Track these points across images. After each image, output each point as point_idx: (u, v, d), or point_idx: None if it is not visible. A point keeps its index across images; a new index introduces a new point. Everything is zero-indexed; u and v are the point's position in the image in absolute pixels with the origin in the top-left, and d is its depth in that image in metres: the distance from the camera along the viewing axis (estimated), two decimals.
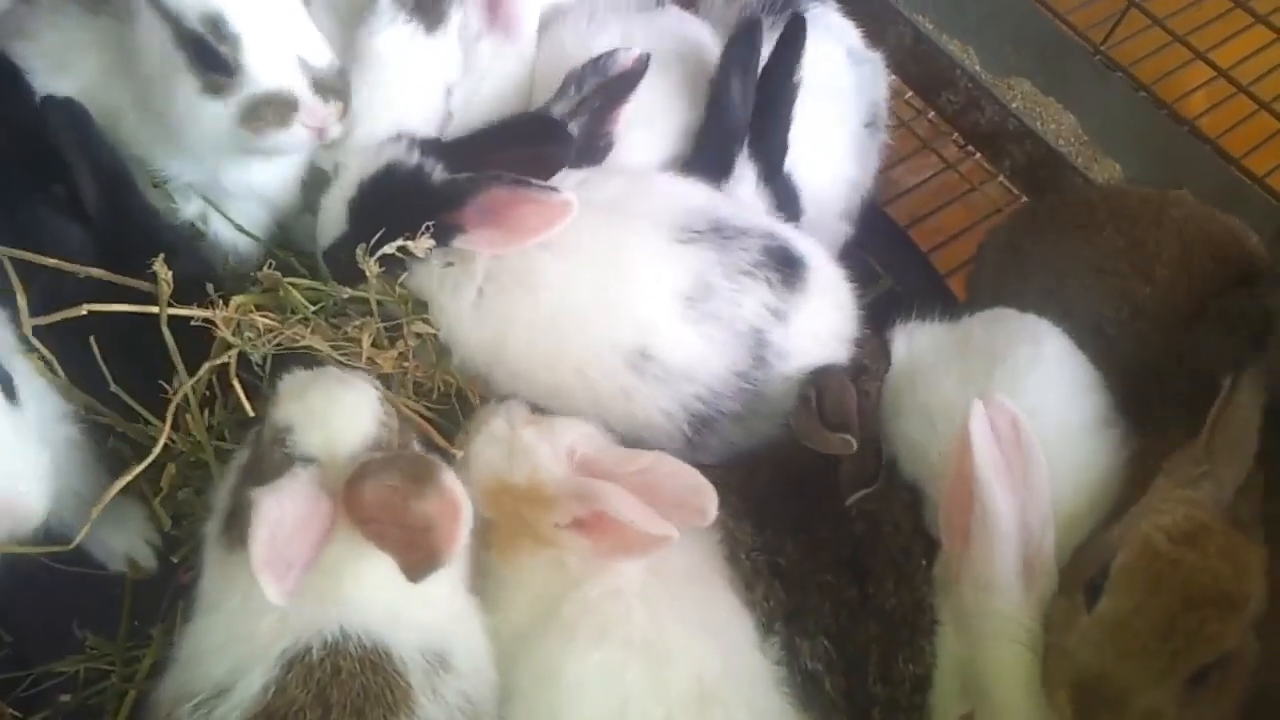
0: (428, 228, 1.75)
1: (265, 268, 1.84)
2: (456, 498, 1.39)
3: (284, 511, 1.38)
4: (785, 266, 1.87)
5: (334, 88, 1.83)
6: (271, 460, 1.53)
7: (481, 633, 1.58)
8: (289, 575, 1.36)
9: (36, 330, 1.69)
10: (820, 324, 1.90)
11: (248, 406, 1.72)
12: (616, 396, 1.82)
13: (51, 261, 1.72)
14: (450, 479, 1.40)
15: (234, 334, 1.77)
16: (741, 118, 2.05)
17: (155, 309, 1.72)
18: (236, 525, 1.49)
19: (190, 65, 1.75)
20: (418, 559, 1.38)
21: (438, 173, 1.85)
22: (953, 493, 1.64)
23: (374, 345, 1.83)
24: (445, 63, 2.04)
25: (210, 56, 1.73)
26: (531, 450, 1.69)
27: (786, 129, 2.10)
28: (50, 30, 1.91)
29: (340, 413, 1.57)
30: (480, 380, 1.90)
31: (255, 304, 1.82)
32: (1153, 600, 1.50)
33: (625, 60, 1.98)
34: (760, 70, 2.06)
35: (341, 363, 1.79)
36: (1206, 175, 2.75)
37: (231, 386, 1.75)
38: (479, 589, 1.65)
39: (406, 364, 1.87)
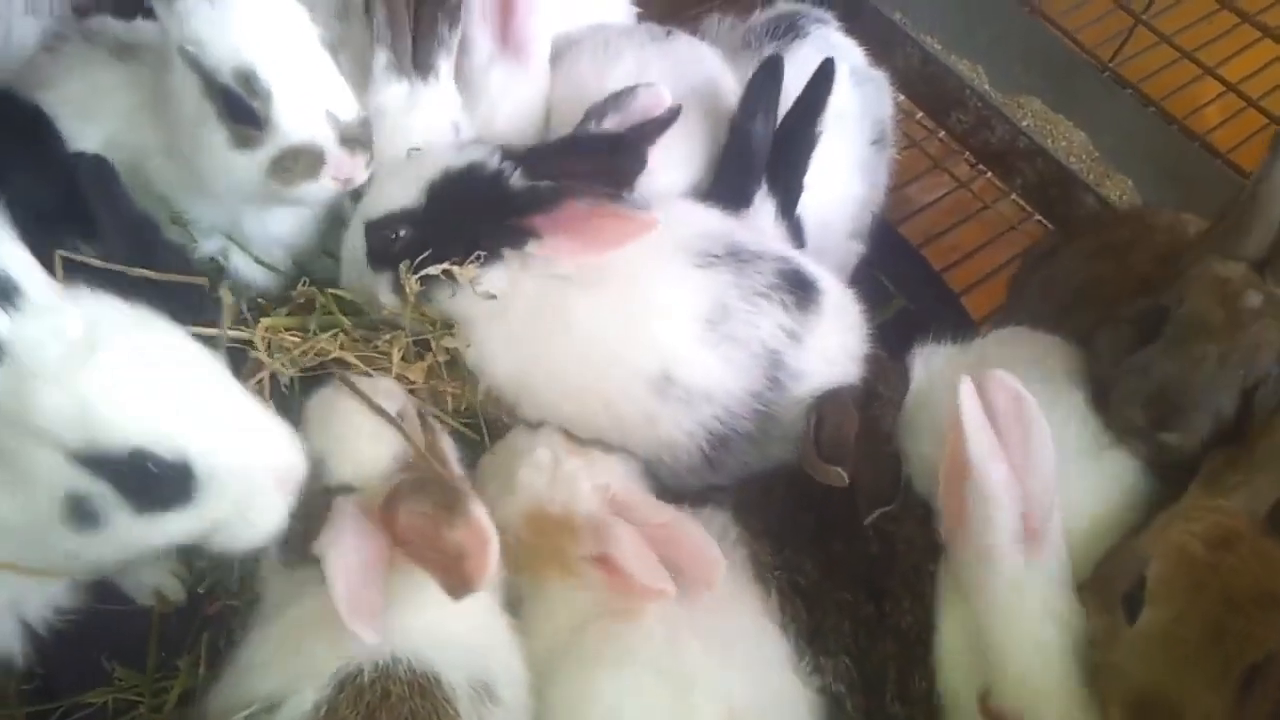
0: (478, 256, 1.81)
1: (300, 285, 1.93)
2: (485, 529, 1.41)
3: (349, 560, 1.42)
4: (799, 289, 1.89)
5: (360, 140, 1.86)
6: (311, 493, 1.54)
7: (523, 664, 1.60)
8: (374, 620, 1.39)
9: None
10: (832, 345, 1.92)
11: None
12: (640, 421, 1.84)
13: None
14: (478, 510, 1.42)
15: (267, 353, 1.81)
16: (762, 153, 2.08)
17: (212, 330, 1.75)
18: (291, 541, 1.52)
19: (220, 117, 1.77)
20: (454, 582, 1.40)
21: (516, 178, 1.88)
22: (949, 473, 1.64)
23: (403, 359, 1.86)
24: (444, 104, 2.10)
25: (241, 110, 1.76)
26: (572, 482, 1.72)
27: (804, 171, 2.12)
28: (74, 78, 1.94)
29: (365, 440, 1.62)
30: (507, 405, 1.92)
31: (284, 326, 1.87)
32: (1196, 606, 1.51)
33: (648, 100, 2.01)
34: (789, 111, 2.09)
35: (369, 374, 1.82)
36: (1218, 190, 2.75)
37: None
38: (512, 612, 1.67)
39: (435, 379, 1.90)
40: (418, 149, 2.01)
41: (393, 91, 2.04)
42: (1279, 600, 1.51)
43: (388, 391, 1.74)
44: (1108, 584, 1.63)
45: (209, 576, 1.94)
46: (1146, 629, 1.53)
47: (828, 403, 1.85)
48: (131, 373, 1.32)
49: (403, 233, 1.87)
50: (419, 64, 2.03)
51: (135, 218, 1.80)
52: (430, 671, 1.45)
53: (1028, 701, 1.57)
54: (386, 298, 1.90)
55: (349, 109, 1.86)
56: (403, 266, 1.83)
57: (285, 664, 1.47)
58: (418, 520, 1.43)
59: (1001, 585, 1.60)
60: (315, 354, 1.84)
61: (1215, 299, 1.74)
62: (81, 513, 1.33)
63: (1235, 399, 1.72)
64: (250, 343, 1.82)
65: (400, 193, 1.90)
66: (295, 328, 1.89)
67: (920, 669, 1.67)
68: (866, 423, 1.85)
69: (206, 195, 1.93)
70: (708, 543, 1.62)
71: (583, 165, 1.91)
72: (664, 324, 1.82)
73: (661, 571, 1.54)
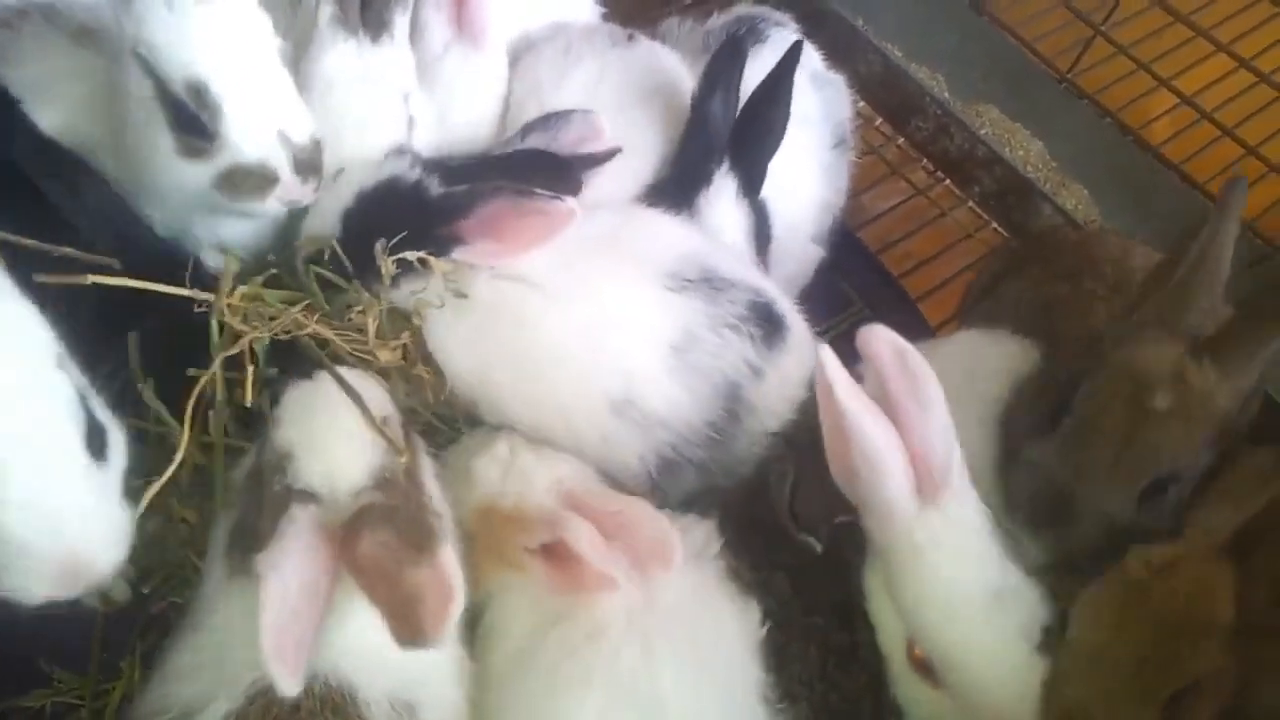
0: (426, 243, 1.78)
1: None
2: (450, 576, 1.32)
3: (287, 588, 1.30)
4: (767, 324, 1.88)
5: (312, 165, 1.82)
6: (271, 490, 1.46)
7: (458, 688, 1.52)
8: (300, 656, 1.29)
9: None
10: (789, 383, 1.90)
11: (250, 394, 1.72)
12: (595, 439, 1.82)
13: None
14: (448, 555, 1.34)
15: (241, 323, 1.78)
16: (721, 132, 2.06)
17: (175, 290, 1.73)
18: (237, 548, 1.47)
19: (170, 124, 1.73)
20: (405, 628, 1.30)
21: (435, 187, 1.85)
22: (831, 438, 1.60)
23: (377, 336, 1.84)
24: (397, 70, 2.01)
25: (190, 122, 1.71)
26: (526, 475, 1.70)
27: (770, 152, 2.11)
28: (31, 60, 1.88)
29: (343, 445, 1.52)
30: (466, 405, 1.90)
31: (258, 294, 1.84)
32: (1123, 632, 1.50)
33: (583, 129, 2.01)
34: (755, 90, 2.08)
35: (347, 351, 1.80)
36: (1172, 201, 2.79)
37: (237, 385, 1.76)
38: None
39: (411, 364, 1.88)
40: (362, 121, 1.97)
41: (339, 51, 1.94)
42: (1207, 628, 1.50)
43: (377, 397, 1.64)
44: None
45: (155, 576, 1.89)
46: (1076, 646, 1.53)
47: (801, 464, 1.78)
48: None
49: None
50: (369, 21, 1.93)
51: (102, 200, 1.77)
52: (346, 688, 1.38)
53: (949, 645, 1.55)
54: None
55: (303, 129, 1.82)
56: (378, 246, 1.79)
57: (206, 671, 1.41)
58: (379, 551, 1.32)
59: (903, 537, 1.56)
60: (290, 328, 1.80)
61: (1121, 396, 1.65)
62: None
63: (1129, 504, 1.65)
64: (217, 309, 1.78)
65: (319, 223, 1.90)
66: (274, 300, 1.85)
67: (891, 703, 1.63)
68: None
69: (154, 196, 1.88)
70: (662, 524, 1.57)
71: (515, 182, 1.86)
72: (630, 347, 1.80)
73: (614, 558, 1.51)
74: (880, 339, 1.58)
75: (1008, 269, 2.38)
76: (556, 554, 1.55)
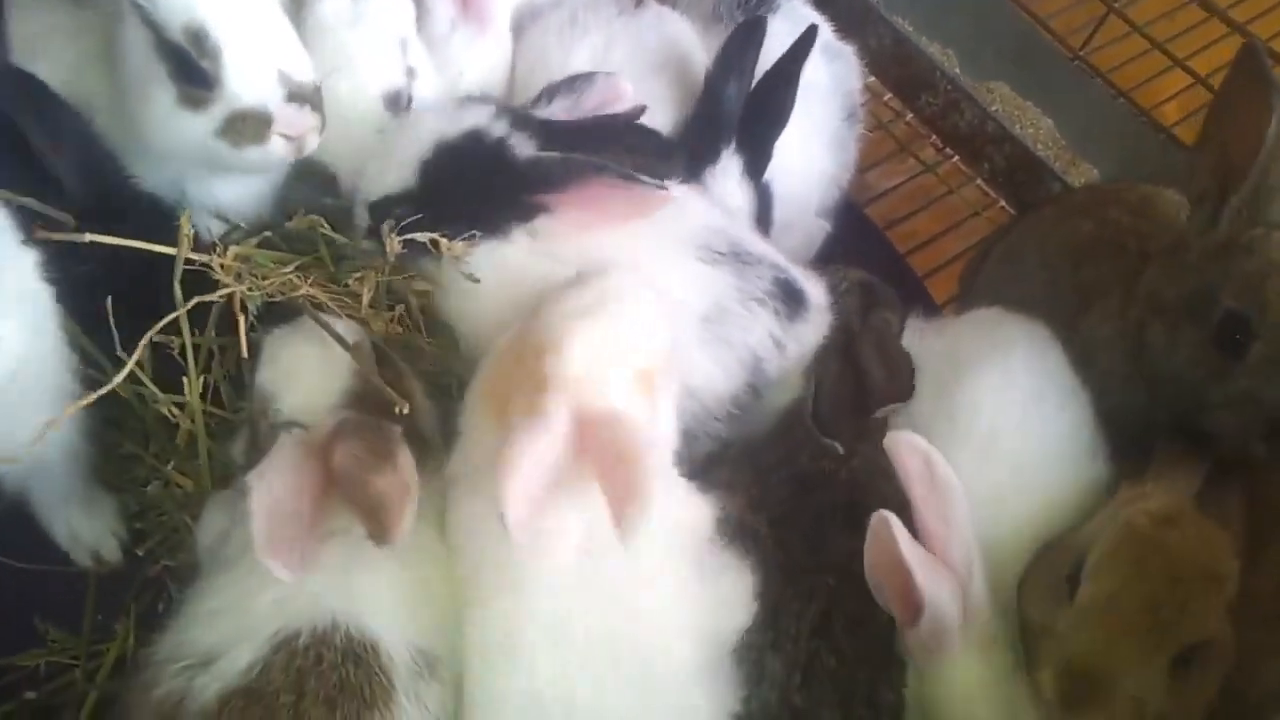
0: (472, 235, 1.76)
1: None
2: (407, 480, 1.41)
3: (274, 491, 1.38)
4: (791, 299, 1.87)
5: (311, 99, 1.80)
6: (261, 430, 1.57)
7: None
8: (296, 552, 1.37)
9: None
10: (804, 354, 1.89)
11: (244, 347, 1.71)
12: None
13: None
14: (406, 460, 1.43)
15: (235, 280, 1.76)
16: (733, 112, 2.04)
17: (169, 250, 1.72)
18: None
19: (170, 76, 1.70)
20: (375, 528, 1.39)
21: (523, 146, 1.81)
22: (875, 577, 1.59)
23: (371, 306, 1.82)
24: (391, 15, 1.99)
25: (190, 69, 1.69)
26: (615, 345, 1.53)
27: (777, 134, 2.09)
28: (26, 17, 1.86)
29: (312, 371, 1.60)
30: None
31: (254, 255, 1.84)
32: (1137, 578, 1.51)
33: (606, 91, 1.97)
34: (767, 73, 2.06)
35: (335, 312, 1.78)
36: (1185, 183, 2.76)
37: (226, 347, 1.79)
38: None
39: (407, 331, 1.88)
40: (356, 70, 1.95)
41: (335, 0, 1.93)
42: (1218, 579, 1.53)
43: (347, 326, 1.69)
44: (1051, 568, 1.63)
45: (150, 538, 1.89)
46: (1084, 601, 1.54)
47: (824, 379, 1.81)
48: None
49: (400, 213, 1.79)
50: None
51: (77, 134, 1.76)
52: (368, 639, 1.41)
53: None
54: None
55: (303, 70, 1.80)
56: (385, 226, 1.77)
57: (229, 618, 1.43)
58: (349, 461, 1.41)
59: (941, 663, 1.59)
60: (282, 287, 1.78)
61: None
62: None
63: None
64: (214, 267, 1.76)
65: (394, 174, 1.83)
66: (268, 260, 1.85)
67: (893, 680, 1.62)
68: (871, 329, 1.87)
69: (151, 155, 1.85)
70: (642, 476, 1.35)
71: (605, 154, 1.82)
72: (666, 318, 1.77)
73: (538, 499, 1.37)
74: (911, 448, 1.59)
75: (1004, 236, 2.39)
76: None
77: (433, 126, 1.85)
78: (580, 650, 1.43)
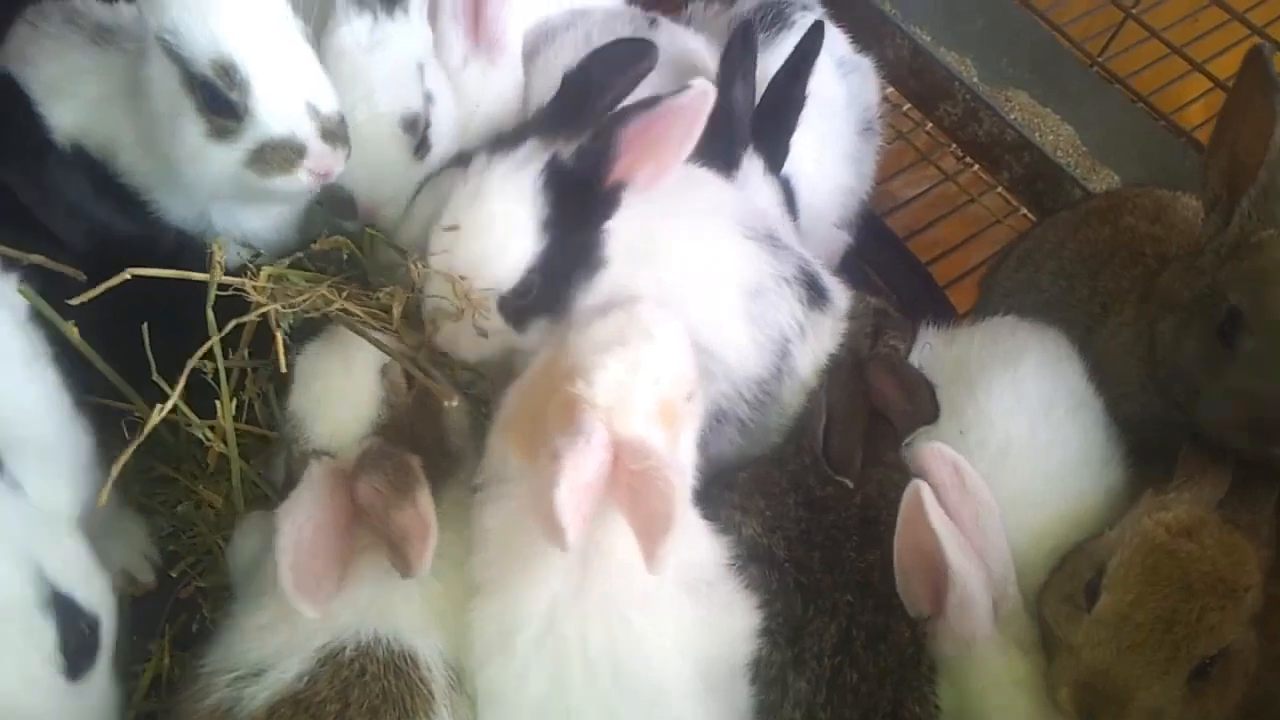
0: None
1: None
2: (426, 517, 1.44)
3: (302, 527, 1.43)
4: (813, 289, 1.89)
5: (339, 134, 1.82)
6: (295, 454, 1.61)
7: None
8: (321, 589, 1.42)
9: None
10: (822, 347, 1.91)
11: (282, 361, 1.70)
12: None
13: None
14: (424, 496, 1.45)
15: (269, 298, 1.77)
16: (744, 117, 2.06)
17: (202, 277, 1.73)
18: None
19: (198, 108, 1.73)
20: (399, 562, 1.43)
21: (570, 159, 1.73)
22: (905, 563, 1.62)
23: (403, 319, 1.81)
24: (412, 41, 2.00)
25: (219, 102, 1.72)
26: (630, 369, 1.54)
27: (791, 129, 2.12)
28: (50, 59, 1.89)
29: (341, 402, 1.63)
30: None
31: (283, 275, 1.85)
32: (1152, 591, 1.52)
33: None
34: (778, 72, 2.09)
35: (369, 325, 1.77)
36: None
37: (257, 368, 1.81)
38: None
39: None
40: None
41: (354, 27, 1.93)
42: (1235, 591, 1.52)
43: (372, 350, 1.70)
44: (1071, 576, 1.64)
45: (183, 560, 1.92)
46: (1101, 613, 1.54)
47: (836, 401, 1.82)
48: None
49: (536, 283, 1.73)
50: None
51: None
52: (408, 652, 1.47)
53: None
54: (537, 342, 1.77)
55: (329, 102, 1.82)
56: (413, 260, 1.74)
57: (277, 632, 1.48)
58: (371, 494, 1.45)
59: (983, 665, 1.61)
60: (316, 303, 1.78)
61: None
62: None
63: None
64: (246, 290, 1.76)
65: (516, 253, 1.71)
66: (299, 279, 1.86)
67: (916, 694, 1.62)
68: (879, 357, 1.89)
69: (179, 188, 1.89)
70: (670, 503, 1.36)
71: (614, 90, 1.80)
72: (716, 290, 1.80)
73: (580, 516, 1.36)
74: (940, 458, 1.61)
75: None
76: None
77: (513, 185, 1.72)
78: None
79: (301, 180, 1.80)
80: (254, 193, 1.83)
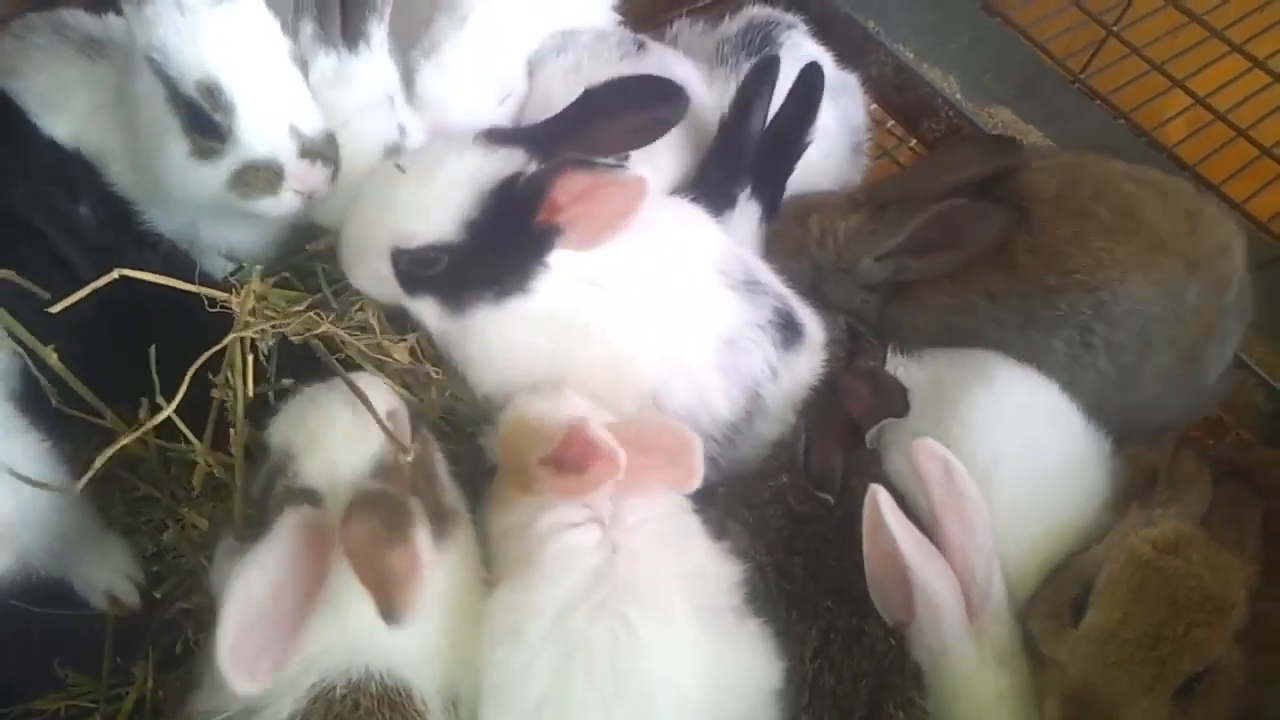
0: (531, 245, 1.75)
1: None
2: (419, 558, 1.37)
3: (252, 596, 1.35)
4: (788, 329, 1.90)
5: (323, 154, 1.83)
6: (275, 493, 1.54)
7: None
8: (261, 662, 1.34)
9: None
10: (798, 385, 1.92)
11: (249, 388, 1.68)
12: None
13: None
14: (420, 537, 1.39)
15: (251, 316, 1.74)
16: (749, 155, 2.08)
17: (187, 286, 1.68)
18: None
19: (184, 128, 1.74)
20: (384, 605, 1.36)
21: (529, 171, 1.76)
22: (876, 572, 1.62)
23: (385, 336, 1.83)
24: (376, 74, 2.01)
25: (203, 122, 1.73)
26: (566, 399, 1.71)
27: (789, 175, 2.14)
28: (39, 71, 1.90)
29: (342, 441, 1.56)
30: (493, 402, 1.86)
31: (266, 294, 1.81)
32: (1138, 608, 1.53)
33: None
34: (779, 116, 2.10)
35: (362, 351, 1.79)
36: None
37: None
38: None
39: (416, 361, 1.86)
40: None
41: (319, 64, 1.95)
42: (1221, 607, 1.53)
43: (381, 392, 1.66)
44: (1058, 592, 1.65)
45: (167, 581, 1.90)
46: (1087, 630, 1.55)
47: (816, 424, 1.85)
48: None
49: (442, 262, 1.76)
50: (349, 33, 1.95)
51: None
52: (401, 685, 1.45)
53: None
54: (432, 321, 1.82)
55: (314, 122, 1.83)
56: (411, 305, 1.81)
57: None
58: (362, 535, 1.38)
59: (955, 674, 1.62)
60: (301, 325, 1.76)
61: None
62: None
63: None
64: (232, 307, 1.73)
65: (435, 224, 1.75)
66: (285, 299, 1.83)
67: (898, 697, 1.62)
68: (855, 371, 1.95)
69: (165, 202, 1.89)
70: (677, 429, 1.63)
71: (616, 123, 1.84)
72: (692, 342, 1.81)
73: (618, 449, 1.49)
74: (931, 454, 1.63)
75: None
76: (565, 466, 1.56)
77: (471, 172, 1.78)
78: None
79: (287, 201, 1.80)
80: (240, 213, 1.84)
